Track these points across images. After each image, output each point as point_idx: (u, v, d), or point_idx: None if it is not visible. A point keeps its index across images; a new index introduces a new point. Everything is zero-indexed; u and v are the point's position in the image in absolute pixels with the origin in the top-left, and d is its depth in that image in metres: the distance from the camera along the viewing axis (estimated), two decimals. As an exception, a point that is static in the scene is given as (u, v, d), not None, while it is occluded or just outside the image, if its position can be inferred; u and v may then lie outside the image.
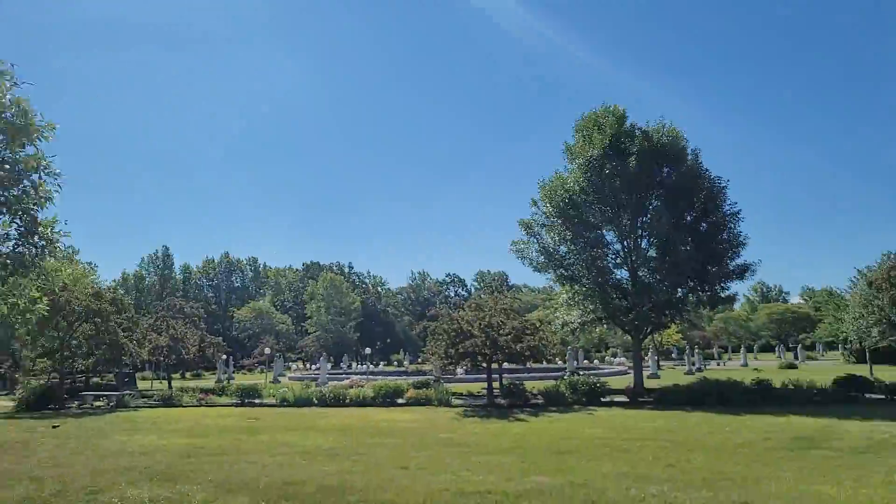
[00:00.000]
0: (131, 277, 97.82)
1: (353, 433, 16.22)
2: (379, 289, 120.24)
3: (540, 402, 23.02)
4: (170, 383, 32.68)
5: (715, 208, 26.51)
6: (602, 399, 23.12)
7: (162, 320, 33.48)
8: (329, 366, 46.75)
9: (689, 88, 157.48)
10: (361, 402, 23.92)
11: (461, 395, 25.77)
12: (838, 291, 72.36)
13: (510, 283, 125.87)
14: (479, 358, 23.97)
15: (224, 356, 39.17)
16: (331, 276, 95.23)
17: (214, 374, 50.19)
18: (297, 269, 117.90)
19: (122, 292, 45.61)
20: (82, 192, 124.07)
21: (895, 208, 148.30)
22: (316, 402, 24.22)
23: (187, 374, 54.72)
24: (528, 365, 32.81)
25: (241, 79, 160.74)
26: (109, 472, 10.86)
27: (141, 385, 36.07)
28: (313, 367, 66.04)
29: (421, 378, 31.29)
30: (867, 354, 37.15)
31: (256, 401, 25.22)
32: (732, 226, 26.47)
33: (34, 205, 9.49)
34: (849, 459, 11.13)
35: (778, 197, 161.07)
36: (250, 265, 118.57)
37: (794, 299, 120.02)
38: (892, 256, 37.72)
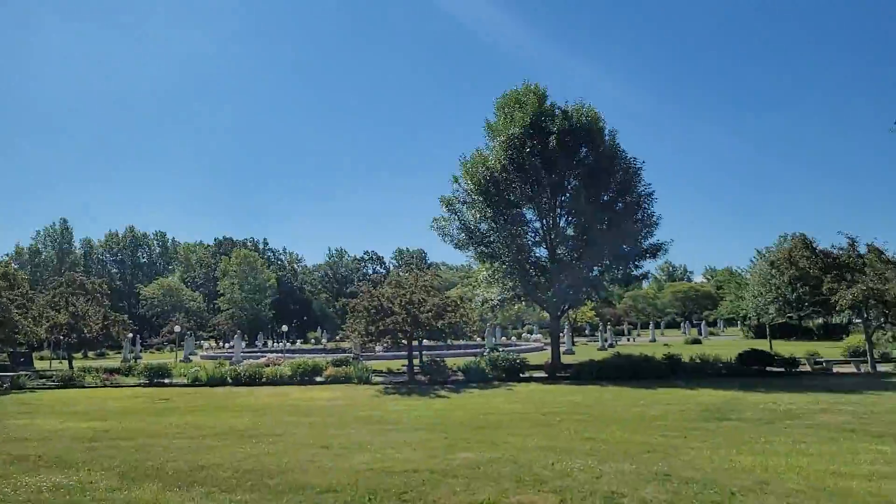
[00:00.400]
0: (25, 251, 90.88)
1: (270, 413, 15.65)
2: (295, 266, 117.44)
3: (461, 378, 23.13)
4: (70, 363, 30.52)
5: (630, 189, 27.28)
6: (521, 375, 23.49)
7: (61, 296, 31.07)
8: (243, 344, 45.29)
9: (596, 71, 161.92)
10: (278, 381, 23.25)
11: (381, 372, 25.57)
12: (738, 271, 77.25)
13: (429, 261, 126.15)
14: (400, 335, 23.78)
15: (130, 334, 36.98)
16: (244, 252, 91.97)
17: (120, 353, 47.53)
18: (208, 245, 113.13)
19: (15, 267, 42.05)
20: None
21: (793, 190, 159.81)
22: (230, 381, 23.31)
23: (90, 354, 51.65)
24: (447, 342, 32.99)
25: (150, 43, 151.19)
26: (1, 460, 9.89)
27: (39, 365, 33.52)
28: (227, 345, 63.94)
29: (340, 356, 30.83)
30: (767, 330, 39.78)
31: (166, 381, 24.01)
32: (647, 206, 27.35)
33: None
34: (756, 429, 11.72)
35: (681, 178, 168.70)
36: (158, 240, 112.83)
37: (698, 278, 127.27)
38: (789, 237, 40.53)
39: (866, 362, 23.30)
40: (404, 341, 24.11)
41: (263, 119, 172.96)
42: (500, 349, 33.97)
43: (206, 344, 65.40)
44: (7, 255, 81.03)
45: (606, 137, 27.56)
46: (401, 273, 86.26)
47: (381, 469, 8.72)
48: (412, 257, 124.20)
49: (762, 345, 30.61)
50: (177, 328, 42.99)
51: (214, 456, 9.98)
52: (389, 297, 24.23)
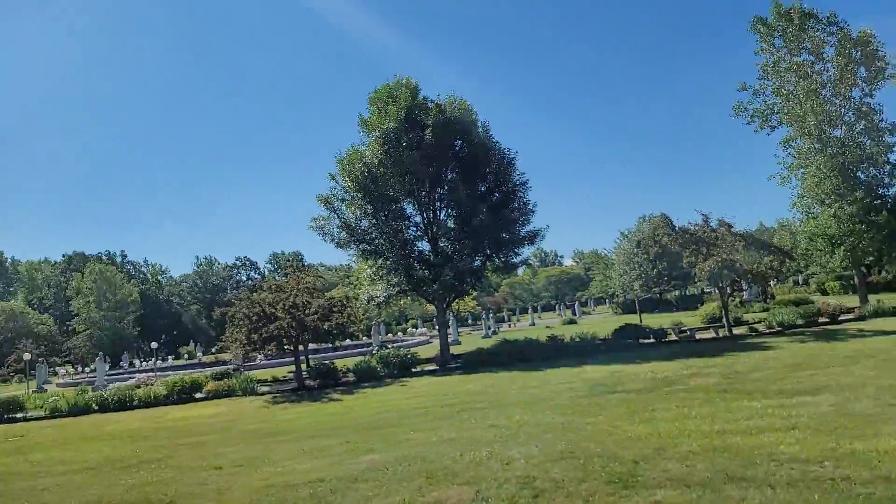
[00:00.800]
0: None
1: (147, 437, 14.41)
2: (160, 278, 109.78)
3: (352, 379, 22.64)
4: None
5: (506, 179, 28.08)
6: (413, 370, 23.40)
7: None
8: (107, 366, 41.49)
9: (469, 69, 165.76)
10: (153, 402, 21.46)
11: (266, 381, 24.41)
12: (604, 252, 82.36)
13: (305, 263, 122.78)
14: (285, 341, 22.82)
15: (-33, 368, 32.69)
16: (100, 266, 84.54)
17: (-45, 390, 41.92)
18: (56, 262, 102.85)
19: None
20: None
21: (648, 175, 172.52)
22: (96, 407, 21.23)
23: (-85, 395, 45.08)
24: (335, 343, 32.28)
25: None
26: None
27: None
28: (87, 370, 58.52)
29: (219, 368, 29.14)
30: (637, 305, 42.54)
31: (19, 415, 21.39)
32: (522, 194, 28.25)
33: None
34: (642, 399, 12.40)
35: (544, 167, 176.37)
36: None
37: (567, 262, 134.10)
38: (647, 218, 43.85)
39: (723, 327, 25.59)
40: (290, 347, 23.17)
41: (114, 122, 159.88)
42: (389, 346, 33.77)
43: (61, 370, 59.24)
44: None
45: (480, 130, 28.17)
46: (276, 277, 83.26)
47: (282, 483, 8.22)
48: (288, 260, 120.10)
49: (631, 319, 32.68)
50: (26, 356, 38.52)
51: (89, 492, 8.96)
52: (271, 302, 23.18)
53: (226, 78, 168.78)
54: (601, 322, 43.55)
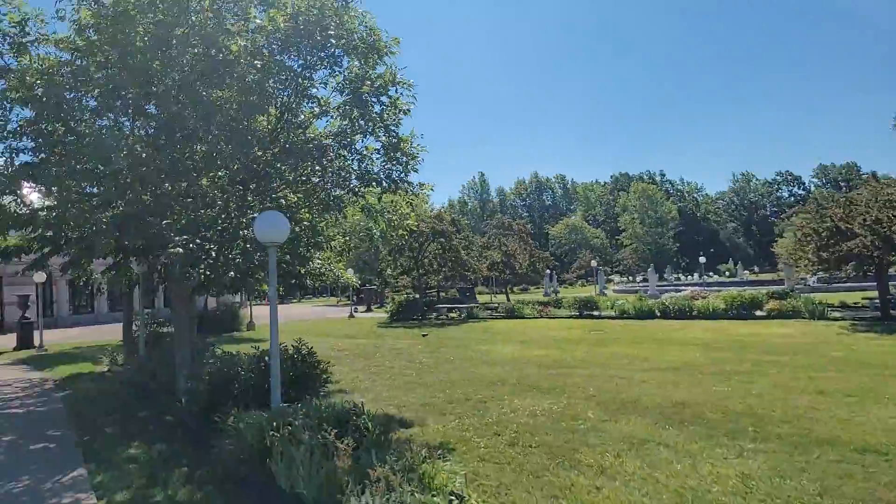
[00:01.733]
0: (456, 203, 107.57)
1: (720, 349, 14.21)
2: (695, 196, 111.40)
3: (964, 314, 17.82)
4: (508, 296, 34.43)
5: None
6: None
7: (493, 238, 35.30)
8: (655, 277, 44.56)
9: None
10: (711, 315, 21.63)
11: (834, 306, 21.58)
12: None
13: (863, 175, 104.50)
14: (866, 261, 19.42)
15: (548, 270, 40.04)
16: (642, 186, 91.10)
17: (539, 288, 52.11)
18: (605, 183, 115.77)
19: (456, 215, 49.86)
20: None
21: None
22: (658, 313, 22.72)
23: (515, 289, 58.12)
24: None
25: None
26: (487, 383, 10.91)
27: (479, 299, 38.91)
28: (635, 279, 64.47)
29: (771, 288, 27.31)
30: None
31: (594, 313, 24.75)
32: None
33: (394, 120, 9.42)
34: None
35: None
36: (559, 183, 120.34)
37: None
38: None
39: None
40: (871, 270, 19.68)
41: (649, 51, 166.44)
42: None
43: (615, 278, 67.16)
44: (441, 206, 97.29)
45: None
46: (824, 193, 73.73)
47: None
48: (840, 173, 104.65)
49: None
50: (593, 263, 44.77)
51: (685, 392, 9.18)
52: (843, 216, 19.98)
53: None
54: None
